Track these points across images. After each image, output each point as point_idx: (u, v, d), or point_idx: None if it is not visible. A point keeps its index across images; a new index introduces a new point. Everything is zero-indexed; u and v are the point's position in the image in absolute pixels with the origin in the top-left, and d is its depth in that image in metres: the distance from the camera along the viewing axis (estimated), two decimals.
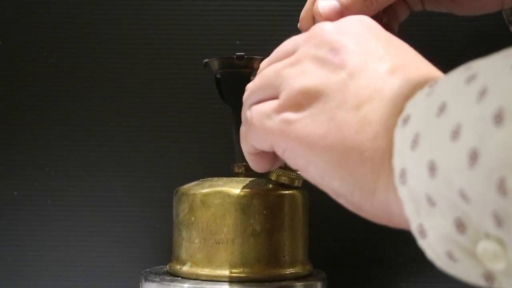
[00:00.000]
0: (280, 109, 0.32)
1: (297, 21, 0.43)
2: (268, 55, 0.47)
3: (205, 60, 0.47)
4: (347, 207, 0.30)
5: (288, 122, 0.31)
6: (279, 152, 0.33)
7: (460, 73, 0.24)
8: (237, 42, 0.60)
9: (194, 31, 0.60)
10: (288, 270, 0.45)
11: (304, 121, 0.30)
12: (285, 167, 0.45)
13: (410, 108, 0.26)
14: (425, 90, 0.25)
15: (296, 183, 0.45)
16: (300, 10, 0.44)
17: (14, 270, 0.60)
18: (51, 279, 0.60)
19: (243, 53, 0.45)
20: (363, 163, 0.28)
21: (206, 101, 0.60)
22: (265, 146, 0.34)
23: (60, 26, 0.61)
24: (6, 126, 0.61)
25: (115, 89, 0.61)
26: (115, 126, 0.61)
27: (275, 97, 0.33)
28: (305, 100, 0.30)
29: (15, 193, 0.60)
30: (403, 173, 0.25)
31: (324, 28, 0.32)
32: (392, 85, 0.28)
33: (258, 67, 0.46)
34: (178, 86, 0.60)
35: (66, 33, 0.60)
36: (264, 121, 0.32)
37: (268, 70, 0.34)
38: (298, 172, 0.45)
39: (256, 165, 0.38)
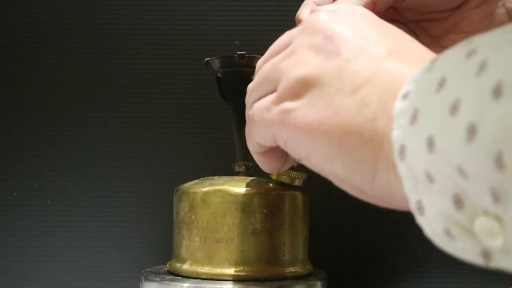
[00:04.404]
0: (279, 100, 0.32)
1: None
2: None
3: (206, 59, 0.48)
4: (350, 193, 0.30)
5: (287, 111, 0.31)
6: (281, 144, 0.33)
7: (460, 48, 0.24)
8: (236, 42, 0.60)
9: (194, 31, 0.60)
10: (288, 269, 0.45)
11: (302, 109, 0.30)
12: None
13: (410, 83, 0.26)
14: (426, 65, 0.25)
15: (297, 183, 0.45)
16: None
17: (14, 270, 0.60)
18: (51, 279, 0.60)
19: (244, 52, 0.45)
20: (362, 145, 0.28)
21: (206, 101, 0.60)
22: (268, 140, 0.34)
23: (60, 26, 0.61)
24: (6, 126, 0.61)
25: (115, 89, 0.61)
26: (115, 126, 0.61)
27: (274, 91, 0.33)
28: (302, 88, 0.31)
29: (15, 193, 0.60)
30: (402, 149, 0.25)
31: (318, 17, 0.32)
32: (388, 67, 0.29)
33: None
34: (178, 86, 0.61)
35: (66, 33, 0.61)
36: (264, 114, 0.33)
37: (266, 66, 0.34)
38: (299, 172, 0.45)
39: (265, 164, 0.38)
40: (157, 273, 0.47)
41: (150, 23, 0.60)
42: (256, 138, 0.35)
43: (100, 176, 0.60)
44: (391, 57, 0.29)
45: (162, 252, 0.55)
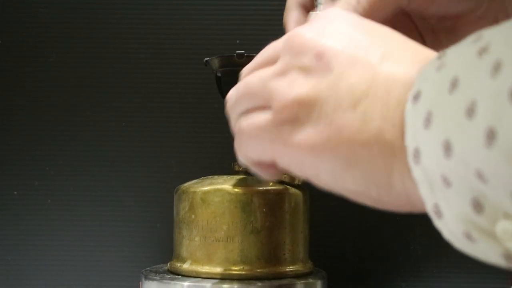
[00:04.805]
0: (277, 122, 0.31)
1: None
2: None
3: (206, 59, 0.48)
4: (365, 203, 0.30)
5: (289, 134, 0.30)
6: (283, 166, 0.32)
7: (470, 44, 0.23)
8: (237, 41, 0.60)
9: (194, 31, 0.60)
10: (288, 268, 0.45)
11: (304, 131, 0.30)
12: None
13: (420, 83, 0.25)
14: (434, 62, 0.25)
15: (297, 181, 0.45)
16: None
17: (14, 270, 0.60)
18: (51, 278, 0.60)
19: (243, 51, 0.46)
20: (373, 159, 0.27)
21: (206, 100, 0.60)
22: (265, 158, 0.33)
23: (60, 26, 0.61)
24: (6, 126, 0.61)
25: (115, 89, 0.61)
26: (115, 126, 0.61)
27: (263, 107, 0.32)
28: (300, 110, 0.30)
29: (15, 192, 0.60)
30: (416, 153, 0.24)
31: (304, 35, 0.31)
32: (384, 73, 0.28)
33: None
34: (178, 86, 0.61)
35: (66, 33, 0.61)
36: (262, 134, 0.32)
37: (252, 79, 0.33)
38: None
39: (264, 174, 0.37)
40: (157, 272, 0.47)
41: (150, 23, 0.60)
42: (250, 155, 0.34)
43: (100, 176, 0.60)
44: (385, 61, 0.28)
45: (162, 251, 0.55)
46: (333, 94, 0.29)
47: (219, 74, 0.48)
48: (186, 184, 0.47)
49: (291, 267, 0.45)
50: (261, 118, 0.32)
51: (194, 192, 0.45)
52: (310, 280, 0.46)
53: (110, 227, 0.60)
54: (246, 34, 0.60)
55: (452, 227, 0.23)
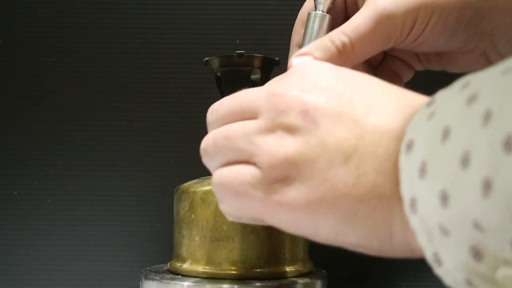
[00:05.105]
0: (267, 180, 0.30)
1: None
2: (267, 54, 0.48)
3: (206, 59, 0.48)
4: (367, 253, 0.30)
5: (281, 194, 0.30)
6: (275, 225, 0.32)
7: (458, 91, 0.23)
8: (237, 41, 0.60)
9: (194, 31, 0.60)
10: (288, 268, 0.45)
11: (297, 190, 0.29)
12: None
13: (412, 132, 0.25)
14: (424, 111, 0.25)
15: None
16: (299, 10, 0.44)
17: (14, 270, 0.60)
18: (51, 278, 0.60)
19: (243, 51, 0.46)
20: (372, 213, 0.27)
21: (206, 100, 0.59)
22: (252, 217, 0.33)
23: (60, 26, 0.61)
24: (6, 126, 0.61)
25: (115, 89, 0.61)
26: (115, 125, 0.61)
27: (247, 162, 0.31)
28: (291, 169, 0.29)
29: (15, 192, 0.61)
30: (413, 202, 0.24)
31: (286, 93, 0.31)
32: (372, 126, 0.28)
33: (258, 65, 0.46)
34: (178, 85, 0.61)
35: (66, 33, 0.61)
36: (251, 192, 0.31)
37: (233, 132, 0.32)
38: None
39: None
40: (157, 272, 0.47)
41: (150, 23, 0.60)
42: (236, 213, 0.33)
43: (100, 176, 0.61)
44: (371, 113, 0.28)
45: (163, 251, 0.55)
46: (323, 150, 0.29)
47: (219, 74, 0.48)
48: (186, 184, 0.47)
49: (291, 267, 0.45)
50: (247, 173, 0.31)
51: (194, 192, 0.45)
52: (310, 280, 0.46)
53: (110, 227, 0.60)
54: (246, 34, 0.60)
55: (453, 274, 0.24)
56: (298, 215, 0.30)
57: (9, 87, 0.61)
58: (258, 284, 0.43)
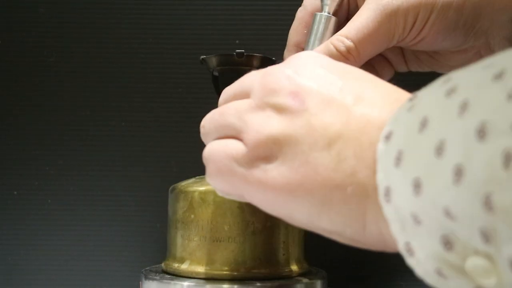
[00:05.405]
0: (251, 157, 0.31)
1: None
2: (267, 54, 0.48)
3: (202, 57, 0.47)
4: (340, 241, 0.30)
5: (263, 172, 0.30)
6: (254, 203, 0.32)
7: (440, 85, 0.24)
8: (237, 41, 0.60)
9: (194, 31, 0.60)
10: (288, 268, 0.45)
11: (279, 169, 0.30)
12: None
13: (392, 124, 0.25)
14: (406, 104, 0.25)
15: None
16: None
17: (14, 270, 0.60)
18: (51, 278, 0.60)
19: (243, 50, 0.45)
20: (347, 200, 0.27)
21: (206, 100, 0.60)
22: (231, 193, 0.33)
23: (60, 26, 0.61)
24: (6, 125, 0.61)
25: (114, 89, 0.61)
26: (115, 125, 0.61)
27: (235, 138, 0.32)
28: (275, 147, 0.30)
29: (15, 192, 0.60)
30: (387, 191, 0.25)
31: (279, 73, 0.31)
32: (358, 114, 0.28)
33: (257, 65, 0.46)
34: (178, 86, 0.61)
35: (66, 33, 0.61)
36: (234, 167, 0.32)
37: (228, 109, 0.33)
38: None
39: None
40: (157, 272, 0.47)
41: (149, 23, 0.60)
42: (221, 188, 0.34)
43: (100, 176, 0.60)
44: (359, 103, 0.29)
45: (162, 251, 0.55)
46: (308, 132, 0.29)
47: (215, 73, 0.48)
48: (183, 184, 0.47)
49: (291, 267, 0.45)
50: (233, 147, 0.32)
51: (194, 191, 0.45)
52: (310, 280, 0.46)
53: (110, 227, 0.60)
54: (246, 34, 0.60)
55: (424, 264, 0.24)
56: (276, 195, 0.30)
57: (9, 87, 0.61)
58: (258, 284, 0.43)
